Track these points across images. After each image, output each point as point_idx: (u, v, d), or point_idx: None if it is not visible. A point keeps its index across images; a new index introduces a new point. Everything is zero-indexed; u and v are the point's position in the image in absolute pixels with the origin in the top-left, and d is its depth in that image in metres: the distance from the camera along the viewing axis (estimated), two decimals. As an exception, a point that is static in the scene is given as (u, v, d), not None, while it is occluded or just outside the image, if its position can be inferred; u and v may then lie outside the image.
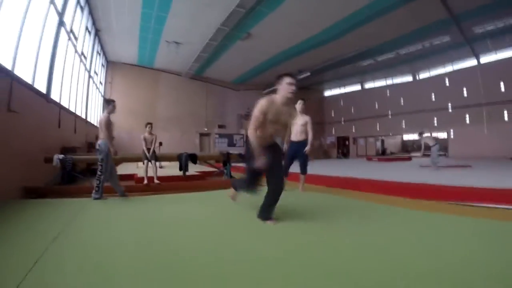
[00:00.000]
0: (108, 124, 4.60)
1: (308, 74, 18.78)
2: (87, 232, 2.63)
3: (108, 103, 4.78)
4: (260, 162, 2.72)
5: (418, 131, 10.21)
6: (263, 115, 2.79)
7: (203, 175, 8.39)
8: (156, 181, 6.36)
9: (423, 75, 21.59)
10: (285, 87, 2.87)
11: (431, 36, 14.84)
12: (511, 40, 15.80)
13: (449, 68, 19.78)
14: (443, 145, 18.81)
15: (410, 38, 14.89)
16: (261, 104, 2.81)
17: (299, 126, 4.93)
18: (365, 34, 14.08)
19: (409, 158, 18.98)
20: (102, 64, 16.36)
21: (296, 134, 4.92)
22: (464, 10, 12.38)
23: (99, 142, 4.58)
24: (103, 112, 4.91)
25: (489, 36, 15.21)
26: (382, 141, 26.70)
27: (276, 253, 2.02)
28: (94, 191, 4.51)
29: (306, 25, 13.17)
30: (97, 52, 14.32)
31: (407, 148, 28.84)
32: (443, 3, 11.59)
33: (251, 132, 2.79)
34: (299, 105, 5.13)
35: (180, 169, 7.29)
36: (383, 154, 25.04)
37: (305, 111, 5.17)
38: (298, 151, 4.91)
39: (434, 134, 18.04)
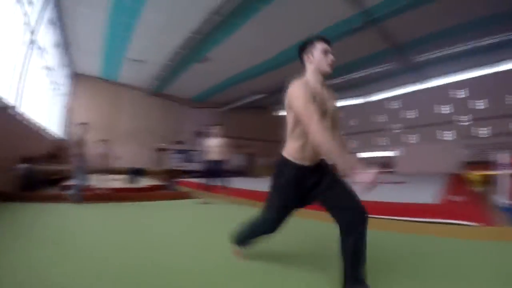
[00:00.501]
0: (78, 144, 5.55)
1: (265, 95, 19.99)
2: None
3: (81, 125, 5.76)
4: (362, 177, 1.51)
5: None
6: (311, 101, 1.71)
7: (152, 188, 8.83)
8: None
9: (373, 97, 23.66)
10: (319, 58, 1.85)
11: (377, 63, 16.59)
12: (447, 67, 18.01)
13: (397, 92, 22.00)
14: (391, 162, 20.91)
15: (359, 64, 16.52)
16: (300, 85, 1.77)
17: (216, 148, 6.02)
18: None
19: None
20: (67, 76, 16.67)
21: (214, 154, 6.02)
22: (405, 40, 14.05)
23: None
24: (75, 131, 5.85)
25: (430, 64, 17.15)
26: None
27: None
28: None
29: (261, 49, 14.29)
30: (63, 64, 14.74)
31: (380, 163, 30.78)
32: (384, 36, 13.30)
33: (318, 128, 1.62)
34: (215, 130, 6.15)
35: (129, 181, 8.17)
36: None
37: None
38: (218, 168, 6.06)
39: (384, 153, 20.12)
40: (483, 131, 17.78)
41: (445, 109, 19.48)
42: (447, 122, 19.16)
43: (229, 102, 22.63)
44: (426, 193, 6.68)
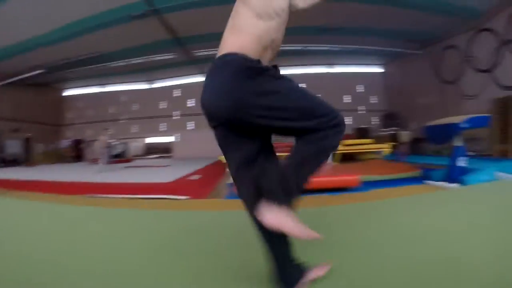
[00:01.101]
0: None
1: (44, 70, 18.04)
2: None
3: None
4: None
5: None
6: None
7: None
8: None
9: (157, 84, 24.94)
10: None
11: (160, 51, 17.51)
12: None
13: (179, 81, 23.96)
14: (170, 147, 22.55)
15: (141, 50, 16.99)
16: None
17: None
18: (96, 40, 15.04)
19: (128, 160, 20.84)
20: None
21: None
22: (188, 34, 15.27)
23: None
24: None
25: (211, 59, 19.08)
26: (124, 145, 27.83)
27: None
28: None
29: (36, 22, 12.96)
30: None
31: (153, 150, 31.35)
32: (166, 27, 14.22)
33: None
34: None
35: None
36: (117, 157, 26.06)
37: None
38: None
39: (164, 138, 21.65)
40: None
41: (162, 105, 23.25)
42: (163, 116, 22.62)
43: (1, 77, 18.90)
44: (172, 175, 7.86)
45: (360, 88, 22.79)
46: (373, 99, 22.70)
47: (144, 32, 14.54)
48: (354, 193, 4.92)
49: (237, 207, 1.95)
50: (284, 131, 1.37)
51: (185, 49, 17.03)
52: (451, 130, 5.41)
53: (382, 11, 13.02)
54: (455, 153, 5.55)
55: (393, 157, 11.93)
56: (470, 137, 12.22)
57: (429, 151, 14.67)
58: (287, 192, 1.29)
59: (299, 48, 16.80)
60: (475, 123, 5.36)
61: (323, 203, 4.00)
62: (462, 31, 14.34)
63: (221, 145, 1.45)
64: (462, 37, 14.43)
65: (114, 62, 18.79)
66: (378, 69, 22.48)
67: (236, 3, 1.44)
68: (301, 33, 14.64)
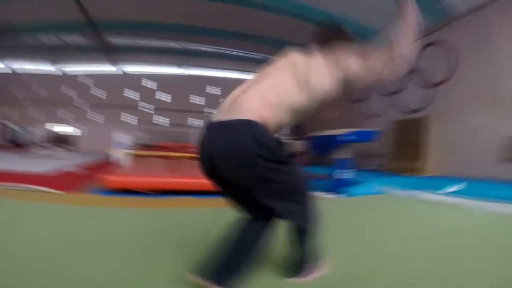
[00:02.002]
0: None
1: None
2: None
3: None
4: None
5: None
6: None
7: None
8: None
9: (66, 69, 22.85)
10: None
11: (69, 32, 16.16)
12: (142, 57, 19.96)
13: (91, 68, 22.28)
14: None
15: (48, 28, 15.54)
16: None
17: None
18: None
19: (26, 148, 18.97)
20: None
21: None
22: (102, 18, 14.26)
23: None
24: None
25: (127, 49, 18.30)
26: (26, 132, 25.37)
27: None
28: None
29: None
30: None
31: (59, 140, 28.95)
32: (78, 5, 13.17)
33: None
34: None
35: None
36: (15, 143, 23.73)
37: None
38: None
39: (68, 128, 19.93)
40: (164, 120, 20.98)
41: (135, 95, 21.57)
42: (133, 107, 21.25)
43: None
44: (53, 165, 7.39)
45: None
46: None
47: (54, 8, 13.44)
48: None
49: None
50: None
51: (97, 34, 15.96)
52: (332, 142, 5.65)
53: (299, 25, 13.53)
54: (338, 165, 5.80)
55: None
56: (373, 152, 13.91)
57: (329, 161, 15.51)
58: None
59: (216, 50, 16.78)
60: (358, 136, 5.64)
61: (195, 205, 4.07)
62: None
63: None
64: None
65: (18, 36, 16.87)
66: None
67: (279, 66, 1.64)
68: (218, 36, 14.72)
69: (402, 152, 13.03)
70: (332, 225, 2.79)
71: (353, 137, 5.54)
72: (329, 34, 1.85)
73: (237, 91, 1.62)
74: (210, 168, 1.50)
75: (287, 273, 1.66)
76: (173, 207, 3.98)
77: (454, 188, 6.02)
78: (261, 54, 17.33)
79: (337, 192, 5.55)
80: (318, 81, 1.57)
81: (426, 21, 12.76)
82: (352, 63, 1.62)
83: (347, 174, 5.76)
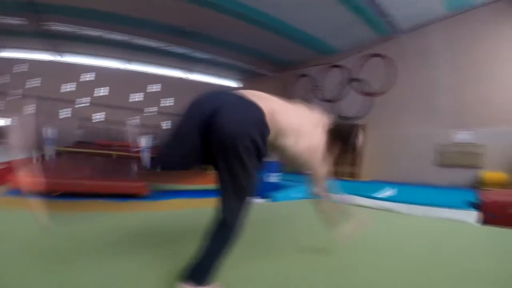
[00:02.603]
0: None
1: None
2: None
3: None
4: None
5: None
6: None
7: None
8: None
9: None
10: None
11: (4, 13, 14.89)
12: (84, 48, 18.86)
13: (27, 55, 20.69)
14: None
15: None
16: None
17: None
18: None
19: None
20: None
21: None
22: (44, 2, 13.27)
23: None
24: None
25: (68, 38, 17.18)
26: None
27: None
28: None
29: None
30: None
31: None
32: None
33: None
34: None
35: None
36: None
37: None
38: None
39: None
40: (99, 116, 19.92)
41: (71, 87, 20.33)
42: (68, 101, 19.93)
43: None
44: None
45: None
46: None
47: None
48: (141, 201, 4.73)
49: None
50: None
51: (36, 18, 14.87)
52: None
53: (242, 26, 13.58)
54: (267, 168, 5.83)
55: None
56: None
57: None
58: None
59: (159, 45, 16.40)
60: None
61: (101, 208, 3.91)
62: (316, 64, 16.21)
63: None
64: (315, 68, 16.30)
65: None
66: (235, 84, 23.31)
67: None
68: (157, 30, 14.48)
69: (339, 157, 13.46)
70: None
71: None
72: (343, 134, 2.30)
73: (250, 93, 1.80)
74: (201, 121, 1.62)
75: (182, 276, 1.58)
76: (83, 210, 3.86)
77: (387, 193, 6.26)
78: (204, 53, 17.23)
79: (263, 197, 5.57)
80: (307, 142, 1.93)
81: (370, 34, 13.39)
82: (322, 166, 2.07)
83: (273, 178, 5.80)
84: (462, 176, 10.48)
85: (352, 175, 12.61)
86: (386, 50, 13.23)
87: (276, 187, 5.81)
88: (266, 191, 5.68)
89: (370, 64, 13.60)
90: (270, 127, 1.66)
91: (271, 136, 1.70)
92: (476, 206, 4.22)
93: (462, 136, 10.88)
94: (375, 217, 4.02)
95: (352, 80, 14.44)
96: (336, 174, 10.65)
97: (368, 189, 6.45)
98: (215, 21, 13.41)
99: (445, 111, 11.41)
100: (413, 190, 7.73)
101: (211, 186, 5.79)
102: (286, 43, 14.92)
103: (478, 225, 3.89)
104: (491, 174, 9.62)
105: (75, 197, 4.51)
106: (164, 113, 20.57)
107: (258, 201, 5.54)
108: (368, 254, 2.56)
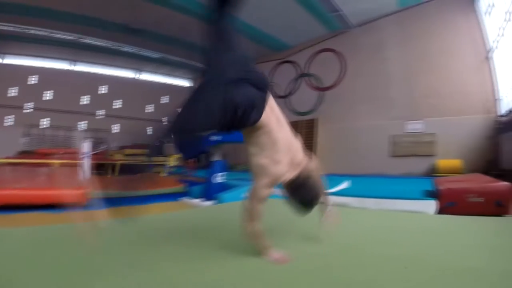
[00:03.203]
0: None
1: None
2: None
3: None
4: None
5: None
6: None
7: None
8: None
9: None
10: None
11: None
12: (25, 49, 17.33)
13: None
14: None
15: None
16: None
17: None
18: None
19: None
20: None
21: None
22: None
23: None
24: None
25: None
26: None
27: None
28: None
29: None
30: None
31: None
32: None
33: None
34: None
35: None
36: None
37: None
38: None
39: None
40: (46, 122, 18.33)
41: (14, 92, 18.41)
42: (12, 107, 18.19)
43: None
44: None
45: (165, 99, 22.29)
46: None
47: None
48: (80, 211, 4.15)
49: None
50: None
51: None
52: (201, 142, 5.11)
53: (193, 23, 12.95)
54: (211, 169, 5.30)
55: (180, 170, 11.63)
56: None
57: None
58: None
59: (103, 44, 15.32)
60: (226, 137, 5.14)
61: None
62: (267, 60, 15.93)
63: None
64: (268, 64, 15.96)
65: None
66: (185, 82, 22.63)
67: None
68: (105, 28, 13.47)
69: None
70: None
71: (220, 137, 5.03)
72: None
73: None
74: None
75: None
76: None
77: (340, 187, 5.94)
78: (154, 52, 16.42)
79: (208, 198, 5.06)
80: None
81: (321, 29, 13.25)
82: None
83: (219, 178, 5.27)
84: (417, 165, 10.57)
85: None
86: (337, 44, 13.19)
87: (222, 187, 5.27)
88: (212, 192, 5.15)
89: (322, 59, 13.49)
90: None
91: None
92: (434, 195, 3.88)
93: (414, 126, 11.01)
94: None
95: (303, 75, 14.39)
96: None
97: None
98: (165, 18, 12.70)
99: (397, 102, 11.49)
100: (368, 183, 7.56)
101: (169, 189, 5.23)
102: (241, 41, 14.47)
103: (439, 215, 3.53)
104: (444, 161, 9.74)
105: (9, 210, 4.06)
106: (113, 116, 19.44)
107: (203, 203, 5.05)
108: (323, 255, 2.10)
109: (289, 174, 1.92)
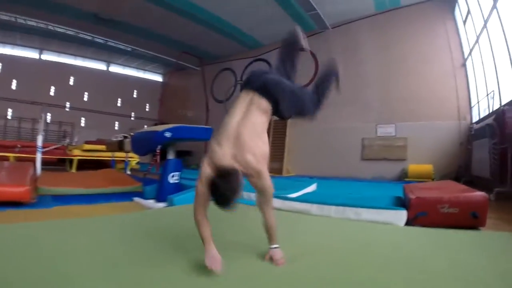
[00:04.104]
0: None
1: None
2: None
3: None
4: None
5: None
6: None
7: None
8: None
9: None
10: None
11: None
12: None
13: None
14: None
15: None
16: None
17: None
18: None
19: None
20: None
21: None
22: None
23: None
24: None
25: None
26: None
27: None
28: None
29: None
30: None
31: None
32: None
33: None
34: None
35: None
36: None
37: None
38: None
39: None
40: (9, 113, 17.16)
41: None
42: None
43: None
44: None
45: (134, 94, 21.30)
46: (148, 107, 21.50)
47: None
48: (27, 209, 3.83)
49: None
50: None
51: None
52: (154, 139, 4.55)
53: (167, 16, 12.35)
54: (165, 168, 4.75)
55: (143, 167, 11.01)
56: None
57: (194, 164, 14.90)
58: None
59: (72, 33, 14.32)
60: (177, 133, 4.61)
61: None
62: (240, 57, 15.62)
63: None
64: (239, 62, 15.66)
65: None
66: (157, 77, 21.83)
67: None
68: (72, 16, 12.58)
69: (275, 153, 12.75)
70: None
71: (170, 134, 4.47)
72: None
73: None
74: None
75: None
76: None
77: (306, 190, 5.59)
78: (125, 44, 15.63)
79: (160, 200, 4.53)
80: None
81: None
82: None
83: (173, 178, 4.72)
84: (388, 169, 10.35)
85: (275, 171, 11.99)
86: (312, 45, 12.81)
87: (176, 188, 4.73)
88: (165, 193, 4.60)
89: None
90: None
91: None
92: (404, 205, 3.46)
93: (386, 129, 10.75)
94: (286, 222, 3.07)
95: None
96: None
97: (287, 185, 5.61)
98: (137, 9, 11.95)
99: (371, 105, 11.24)
100: (336, 186, 7.25)
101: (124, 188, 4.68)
102: (211, 35, 14.03)
103: (407, 227, 3.12)
104: (415, 166, 9.51)
105: None
106: (80, 109, 18.41)
107: (154, 205, 4.51)
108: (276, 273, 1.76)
109: (226, 161, 1.80)
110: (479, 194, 3.09)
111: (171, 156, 4.84)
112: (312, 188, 5.94)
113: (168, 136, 4.42)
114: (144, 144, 4.87)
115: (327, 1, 10.77)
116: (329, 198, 4.03)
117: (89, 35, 14.50)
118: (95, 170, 8.79)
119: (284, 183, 6.62)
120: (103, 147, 10.65)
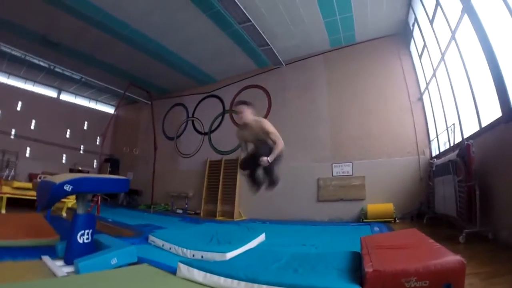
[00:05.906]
0: None
1: None
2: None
3: None
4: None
5: None
6: None
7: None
8: None
9: None
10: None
11: None
12: None
13: None
14: None
15: None
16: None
17: None
18: None
19: None
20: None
21: None
22: None
23: None
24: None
25: None
26: None
27: None
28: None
29: None
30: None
31: None
32: None
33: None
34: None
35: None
36: None
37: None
38: None
39: None
40: None
41: None
42: None
43: None
44: None
45: (85, 125, 19.35)
46: (98, 141, 19.23)
47: None
48: None
49: None
50: None
51: None
52: (51, 192, 3.54)
53: (112, 43, 11.50)
54: (73, 225, 3.75)
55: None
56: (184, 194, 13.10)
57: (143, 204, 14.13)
58: None
59: (18, 54, 12.83)
60: (88, 186, 3.68)
61: None
62: (192, 93, 15.19)
63: None
64: (191, 97, 15.21)
65: None
66: (109, 109, 20.51)
67: None
68: (21, 36, 11.39)
69: (213, 195, 12.28)
70: None
71: (71, 187, 3.52)
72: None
73: None
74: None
75: None
76: None
77: (255, 243, 5.12)
78: (69, 70, 14.47)
79: (68, 263, 3.55)
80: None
81: (250, 64, 12.45)
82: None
83: (84, 237, 3.73)
84: (346, 209, 9.72)
85: (228, 214, 11.25)
86: (265, 81, 12.47)
87: (87, 249, 3.73)
88: (73, 255, 3.60)
89: (248, 94, 12.57)
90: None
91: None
92: (359, 280, 2.64)
93: (342, 168, 10.20)
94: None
95: (227, 111, 13.39)
96: (209, 212, 9.29)
97: (231, 236, 4.81)
98: (82, 32, 10.91)
99: (325, 144, 10.74)
100: (288, 234, 6.84)
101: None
102: (159, 67, 13.26)
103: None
104: (374, 206, 8.95)
105: None
106: (25, 137, 16.44)
107: (60, 270, 3.44)
108: None
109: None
110: (453, 259, 2.34)
111: (80, 210, 3.85)
112: (260, 239, 5.18)
113: (68, 190, 3.46)
114: (44, 195, 3.83)
115: (280, 36, 10.41)
116: (269, 260, 3.19)
117: (36, 58, 13.13)
118: (23, 212, 7.63)
119: (233, 231, 6.09)
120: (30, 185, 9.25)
